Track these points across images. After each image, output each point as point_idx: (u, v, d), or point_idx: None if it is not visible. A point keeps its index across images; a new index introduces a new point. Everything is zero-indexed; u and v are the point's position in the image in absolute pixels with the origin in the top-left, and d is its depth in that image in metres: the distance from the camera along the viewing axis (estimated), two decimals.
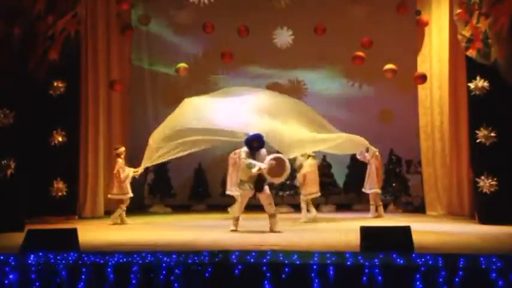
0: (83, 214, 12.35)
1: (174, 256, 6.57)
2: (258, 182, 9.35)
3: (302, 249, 7.04)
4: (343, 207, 14.25)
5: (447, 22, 11.94)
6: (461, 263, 6.15)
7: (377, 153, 12.22)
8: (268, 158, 9.35)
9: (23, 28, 11.05)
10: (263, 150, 9.51)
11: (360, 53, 13.30)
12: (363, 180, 12.46)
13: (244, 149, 9.52)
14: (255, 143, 9.44)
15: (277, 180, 9.77)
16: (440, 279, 5.99)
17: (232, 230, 9.49)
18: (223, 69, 15.42)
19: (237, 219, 9.65)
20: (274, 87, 14.97)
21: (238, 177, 9.76)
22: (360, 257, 6.37)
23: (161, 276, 6.33)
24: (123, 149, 11.39)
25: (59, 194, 11.58)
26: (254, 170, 9.23)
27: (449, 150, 12.08)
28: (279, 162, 9.30)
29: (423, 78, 12.57)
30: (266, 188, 9.52)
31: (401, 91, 14.35)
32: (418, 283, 6.02)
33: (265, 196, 9.49)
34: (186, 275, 6.31)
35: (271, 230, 9.39)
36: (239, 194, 10.19)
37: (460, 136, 11.82)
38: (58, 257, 6.60)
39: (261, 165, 9.23)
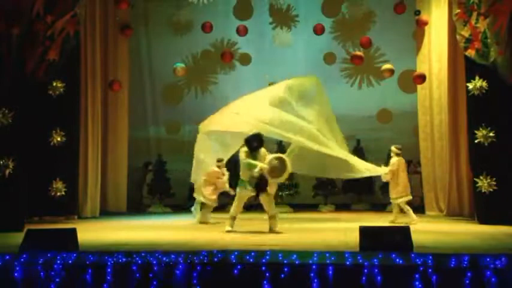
0: (83, 214, 12.34)
1: (173, 256, 6.57)
2: (260, 184, 9.22)
3: (301, 249, 7.04)
4: (342, 207, 14.25)
5: (446, 22, 11.95)
6: (461, 263, 6.15)
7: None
8: (270, 157, 9.27)
9: (22, 28, 11.05)
10: (263, 150, 9.42)
11: (359, 53, 13.31)
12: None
13: (244, 148, 9.44)
14: (255, 143, 9.37)
15: (277, 181, 9.59)
16: (440, 279, 5.99)
17: (228, 231, 9.43)
18: (223, 69, 15.43)
19: (233, 219, 9.58)
20: None
21: (240, 177, 9.60)
22: (359, 257, 6.38)
23: (160, 276, 6.33)
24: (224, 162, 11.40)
25: (58, 194, 11.56)
26: (256, 170, 9.15)
27: (448, 150, 12.09)
28: (281, 162, 9.22)
29: (422, 78, 12.58)
30: (268, 189, 9.41)
31: (400, 91, 14.38)
32: (417, 283, 6.01)
33: (267, 197, 9.41)
34: (185, 275, 6.31)
35: (271, 231, 9.36)
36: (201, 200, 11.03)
37: (459, 136, 11.84)
38: (57, 257, 6.60)
39: (262, 165, 9.14)
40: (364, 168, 10.67)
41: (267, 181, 9.24)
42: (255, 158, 9.28)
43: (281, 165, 9.21)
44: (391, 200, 10.97)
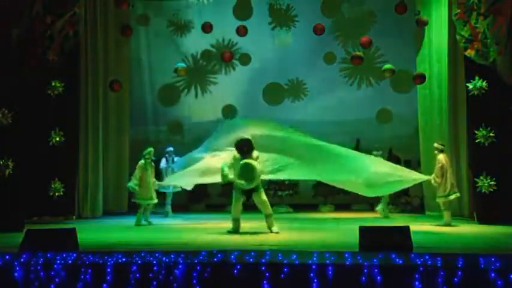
0: (83, 214, 12.33)
1: (172, 256, 6.57)
2: (246, 191, 9.39)
3: (301, 249, 7.04)
4: (342, 207, 14.24)
5: (446, 22, 11.96)
6: (460, 263, 6.16)
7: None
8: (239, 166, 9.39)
9: (21, 28, 11.06)
10: (254, 153, 9.47)
11: (359, 53, 13.30)
12: None
13: (234, 153, 9.51)
14: (245, 148, 9.43)
15: (248, 187, 9.49)
16: (439, 279, 6.00)
17: (230, 232, 9.46)
18: (223, 69, 15.43)
19: (236, 221, 9.59)
20: (274, 87, 15.00)
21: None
22: (359, 257, 6.38)
23: (160, 276, 6.33)
24: None
25: (56, 194, 11.55)
26: (225, 181, 9.50)
27: (448, 150, 12.08)
28: (248, 172, 9.30)
29: (422, 78, 12.57)
30: (261, 191, 9.48)
31: (400, 91, 14.38)
32: (417, 283, 6.02)
33: (258, 198, 9.49)
34: (185, 275, 6.31)
35: (269, 230, 9.39)
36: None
37: (459, 136, 11.85)
38: (57, 257, 6.60)
39: (233, 180, 9.38)
40: (412, 179, 10.68)
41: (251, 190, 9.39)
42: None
43: (248, 175, 9.28)
44: (440, 200, 10.55)
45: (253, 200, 9.58)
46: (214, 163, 10.48)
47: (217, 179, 10.30)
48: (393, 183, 10.56)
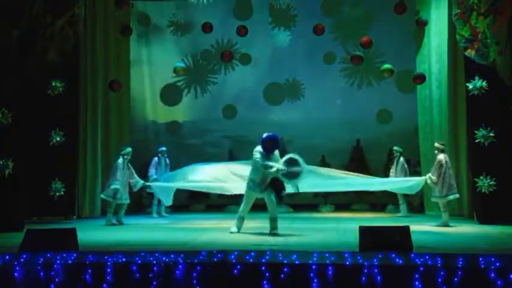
0: (82, 214, 12.33)
1: (172, 256, 6.57)
2: (278, 187, 9.02)
3: (301, 249, 7.03)
4: (342, 207, 14.25)
5: (446, 22, 11.96)
6: (460, 262, 6.16)
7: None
8: (283, 159, 9.01)
9: (21, 28, 11.06)
10: (276, 152, 9.21)
11: (358, 53, 13.31)
12: None
13: (259, 149, 9.09)
14: (270, 145, 9.07)
15: (293, 183, 9.13)
16: (439, 279, 6.00)
17: (232, 232, 9.36)
18: (223, 69, 15.44)
19: (241, 220, 9.47)
20: (272, 87, 15.02)
21: (249, 178, 9.34)
22: (358, 257, 6.38)
23: (160, 276, 6.33)
24: None
25: (57, 194, 11.55)
26: (273, 170, 8.85)
27: (448, 150, 12.08)
28: (298, 165, 8.96)
29: (422, 78, 12.58)
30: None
31: (400, 91, 14.39)
32: (417, 283, 6.02)
33: (273, 199, 9.21)
34: (185, 275, 6.31)
35: (271, 233, 9.22)
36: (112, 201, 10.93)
37: (459, 136, 11.86)
38: (57, 257, 6.60)
39: (279, 166, 8.85)
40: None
41: (282, 182, 9.05)
42: (269, 160, 9.02)
43: (298, 168, 8.93)
44: (437, 200, 10.56)
45: (262, 197, 9.27)
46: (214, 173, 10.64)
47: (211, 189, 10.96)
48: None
